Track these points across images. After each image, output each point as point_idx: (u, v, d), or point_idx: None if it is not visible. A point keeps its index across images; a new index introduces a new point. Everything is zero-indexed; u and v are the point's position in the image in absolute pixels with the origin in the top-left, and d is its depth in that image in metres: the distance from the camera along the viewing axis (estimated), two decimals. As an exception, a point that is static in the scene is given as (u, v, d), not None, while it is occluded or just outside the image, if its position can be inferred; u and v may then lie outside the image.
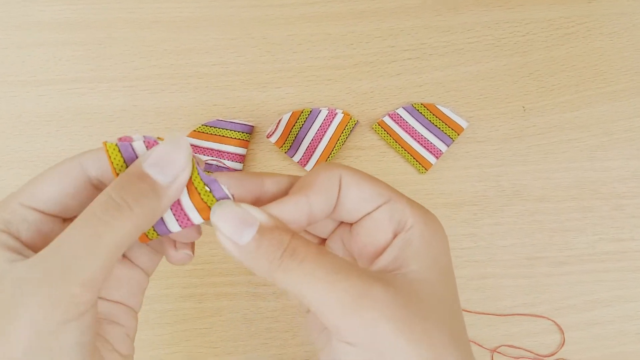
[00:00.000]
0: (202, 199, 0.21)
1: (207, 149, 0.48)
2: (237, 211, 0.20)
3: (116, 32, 0.50)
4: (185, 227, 0.22)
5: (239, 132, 0.47)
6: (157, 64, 0.49)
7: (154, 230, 0.22)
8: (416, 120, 0.48)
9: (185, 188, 0.21)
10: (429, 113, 0.48)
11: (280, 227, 0.20)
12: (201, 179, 0.21)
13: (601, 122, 0.48)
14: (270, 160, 0.49)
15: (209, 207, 0.21)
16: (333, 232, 0.26)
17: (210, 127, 0.48)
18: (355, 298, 0.19)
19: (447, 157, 0.49)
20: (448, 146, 0.48)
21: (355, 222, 0.24)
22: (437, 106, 0.48)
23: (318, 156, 0.48)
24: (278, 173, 0.24)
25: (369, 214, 0.23)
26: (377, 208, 0.23)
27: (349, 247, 0.25)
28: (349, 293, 0.19)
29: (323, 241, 0.26)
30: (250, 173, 0.24)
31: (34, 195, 0.21)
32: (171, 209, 0.21)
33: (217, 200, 0.21)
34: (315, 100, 0.49)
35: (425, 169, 0.48)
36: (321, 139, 0.49)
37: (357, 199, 0.23)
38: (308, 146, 0.49)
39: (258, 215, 0.20)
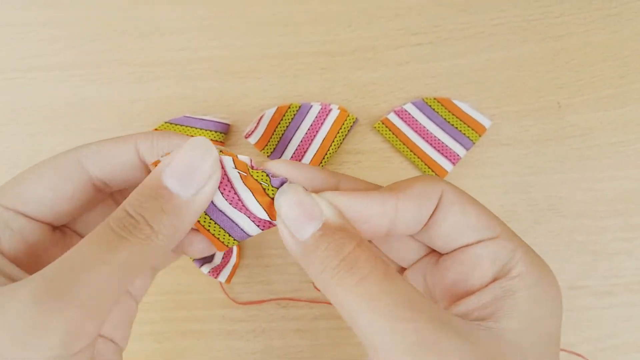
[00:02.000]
0: (267, 194, 0.19)
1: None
2: (304, 199, 0.18)
3: (61, 11, 0.41)
4: (265, 228, 0.20)
5: (211, 131, 0.38)
6: (112, 48, 0.41)
7: (230, 235, 0.20)
8: (428, 118, 0.40)
9: (247, 187, 0.19)
10: (443, 110, 0.40)
11: (347, 229, 0.18)
12: (263, 173, 0.19)
13: (652, 122, 0.40)
14: (249, 166, 0.40)
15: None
16: (416, 262, 0.22)
17: (176, 125, 0.39)
18: (418, 347, 0.16)
19: (466, 162, 0.40)
20: (467, 150, 0.39)
21: (448, 254, 0.20)
22: (453, 101, 0.40)
23: (309, 161, 0.40)
24: (356, 178, 0.21)
25: (468, 246, 0.19)
26: (480, 242, 0.19)
27: (432, 284, 0.21)
28: (412, 339, 0.16)
29: (402, 271, 0.23)
30: (325, 170, 0.21)
31: (21, 196, 0.18)
32: (241, 211, 0.19)
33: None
34: (305, 93, 0.40)
35: (440, 177, 0.39)
36: (312, 140, 0.40)
37: (458, 224, 0.19)
38: (296, 149, 0.40)
39: (326, 209, 0.18)
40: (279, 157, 0.39)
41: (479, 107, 0.40)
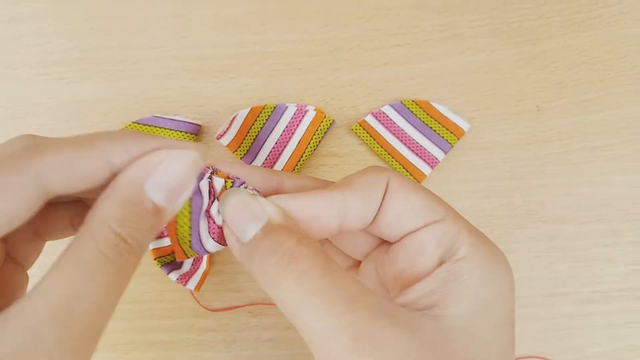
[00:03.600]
0: None
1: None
2: (247, 201, 0.18)
3: (27, 7, 0.39)
4: (225, 245, 0.19)
5: (181, 132, 0.37)
6: (79, 45, 0.39)
7: (191, 248, 0.19)
8: (406, 120, 0.39)
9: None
10: (422, 112, 0.39)
11: (287, 226, 0.17)
12: (230, 181, 0.19)
13: (632, 127, 0.39)
14: (221, 168, 0.39)
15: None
16: (369, 254, 0.22)
17: (144, 125, 0.37)
18: (356, 341, 0.15)
19: (444, 166, 0.39)
20: (446, 153, 0.38)
21: (396, 242, 0.20)
22: (432, 104, 0.39)
23: (284, 163, 0.38)
24: (301, 175, 0.21)
25: (413, 232, 0.19)
26: (425, 227, 0.19)
27: (383, 274, 0.21)
28: (349, 333, 0.15)
29: (358, 265, 0.22)
30: (266, 169, 0.20)
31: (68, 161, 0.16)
32: (205, 225, 0.19)
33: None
34: (280, 94, 0.39)
35: (418, 180, 0.38)
36: (287, 142, 0.38)
37: (402, 211, 0.19)
38: (271, 151, 0.38)
39: (269, 209, 0.17)
40: (253, 159, 0.38)
41: (458, 110, 0.39)
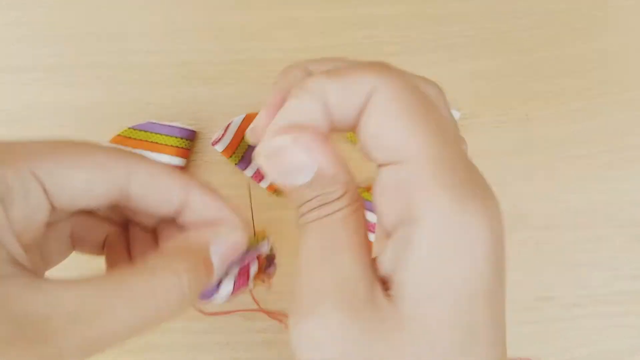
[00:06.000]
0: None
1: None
2: (297, 155, 0.16)
3: (23, 11, 0.40)
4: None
5: (177, 137, 0.38)
6: (76, 50, 0.39)
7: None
8: None
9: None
10: None
11: (336, 179, 0.16)
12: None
13: (618, 135, 0.40)
14: (216, 173, 0.39)
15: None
16: None
17: (140, 130, 0.38)
18: (308, 300, 0.15)
19: (435, 173, 0.40)
20: None
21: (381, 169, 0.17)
22: None
23: (278, 170, 0.39)
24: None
25: (382, 166, 0.16)
26: (387, 165, 0.16)
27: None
28: (310, 290, 0.15)
29: None
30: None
31: (63, 178, 0.16)
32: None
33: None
34: (275, 100, 0.40)
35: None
36: (282, 148, 0.39)
37: (372, 135, 0.16)
38: (265, 157, 0.39)
39: (319, 158, 0.16)
40: (247, 166, 0.39)
41: (449, 118, 0.40)
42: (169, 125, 0.38)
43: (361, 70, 0.16)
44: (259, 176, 0.39)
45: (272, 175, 0.17)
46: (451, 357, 0.14)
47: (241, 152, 0.39)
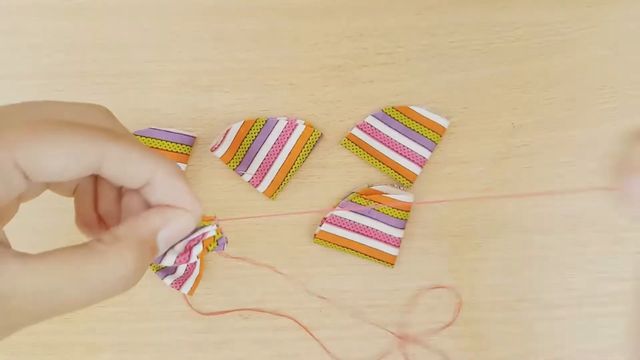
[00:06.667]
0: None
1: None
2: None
3: (27, 19, 0.41)
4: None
5: (177, 143, 0.39)
6: (77, 58, 0.41)
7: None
8: (389, 127, 0.41)
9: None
10: (403, 117, 0.41)
11: None
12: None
13: (600, 144, 0.42)
14: (215, 178, 0.41)
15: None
16: None
17: (141, 137, 0.39)
18: None
19: (424, 178, 0.41)
20: (431, 151, 0.41)
21: None
22: (411, 107, 0.41)
23: (274, 175, 0.40)
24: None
25: None
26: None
27: None
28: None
29: None
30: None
31: (42, 160, 0.17)
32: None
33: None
34: (271, 108, 0.41)
35: (411, 181, 0.41)
36: (278, 154, 0.40)
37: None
38: (262, 163, 0.40)
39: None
40: (245, 170, 0.40)
41: (439, 126, 0.42)
42: (169, 131, 0.39)
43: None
44: (256, 181, 0.40)
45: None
46: None
47: (239, 157, 0.40)
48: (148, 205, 0.21)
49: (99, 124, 0.20)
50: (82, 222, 0.22)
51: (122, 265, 0.18)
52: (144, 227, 0.20)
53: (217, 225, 0.22)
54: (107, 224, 0.22)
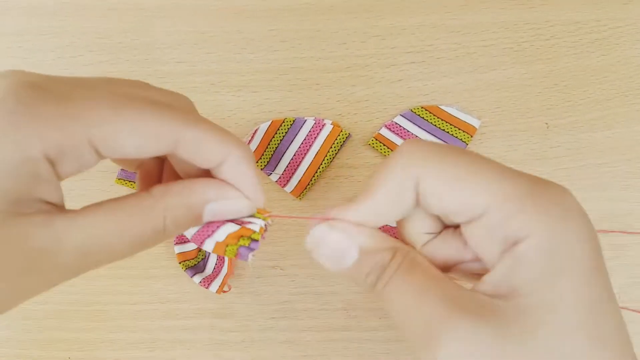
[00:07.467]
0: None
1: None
2: (336, 238, 0.19)
3: (62, 19, 0.41)
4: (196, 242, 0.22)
5: (205, 143, 0.39)
6: (109, 59, 0.41)
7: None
8: (419, 127, 0.40)
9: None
10: (432, 117, 0.40)
11: (380, 247, 0.19)
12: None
13: (637, 145, 0.41)
14: (242, 178, 0.41)
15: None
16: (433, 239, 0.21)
17: (171, 136, 0.39)
18: (429, 329, 0.16)
19: (455, 180, 0.41)
20: None
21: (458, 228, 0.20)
22: (440, 107, 0.40)
23: (301, 175, 0.40)
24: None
25: (464, 224, 0.19)
26: (469, 223, 0.18)
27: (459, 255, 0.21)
28: (425, 321, 0.16)
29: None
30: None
31: (115, 139, 0.18)
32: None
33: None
34: (299, 108, 0.41)
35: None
36: (305, 154, 0.40)
37: (440, 210, 0.19)
38: (289, 162, 0.40)
39: (358, 238, 0.19)
40: (273, 170, 0.40)
41: (469, 126, 0.41)
42: (198, 131, 0.39)
43: (394, 180, 0.19)
44: (283, 181, 0.40)
45: (325, 264, 0.20)
46: (580, 338, 0.16)
47: (267, 157, 0.40)
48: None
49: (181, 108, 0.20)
50: None
51: (162, 222, 0.19)
52: (197, 194, 0.20)
53: (265, 224, 0.22)
54: None
